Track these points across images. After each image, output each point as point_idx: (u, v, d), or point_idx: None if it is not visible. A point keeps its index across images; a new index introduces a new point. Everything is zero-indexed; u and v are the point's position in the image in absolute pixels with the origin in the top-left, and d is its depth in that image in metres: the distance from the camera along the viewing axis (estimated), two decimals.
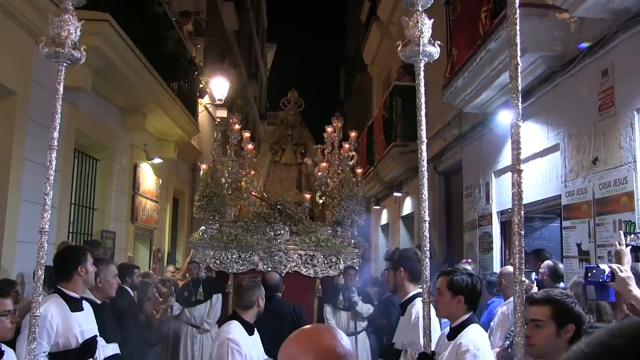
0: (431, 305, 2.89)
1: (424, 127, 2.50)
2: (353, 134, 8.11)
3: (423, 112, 2.50)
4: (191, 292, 7.13)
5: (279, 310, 5.22)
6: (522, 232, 1.86)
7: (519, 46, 1.86)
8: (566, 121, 5.68)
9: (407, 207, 12.82)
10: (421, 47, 2.48)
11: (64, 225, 7.30)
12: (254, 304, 3.94)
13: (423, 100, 2.52)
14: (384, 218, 16.16)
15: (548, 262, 4.77)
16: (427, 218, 2.48)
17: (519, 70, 1.87)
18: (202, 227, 7.31)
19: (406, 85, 10.99)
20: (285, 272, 6.95)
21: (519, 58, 1.87)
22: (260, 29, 28.23)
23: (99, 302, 3.73)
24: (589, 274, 2.82)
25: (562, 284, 4.68)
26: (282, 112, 9.05)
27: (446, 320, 3.27)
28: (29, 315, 2.64)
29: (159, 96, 9.22)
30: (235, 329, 3.79)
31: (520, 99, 1.90)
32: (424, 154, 2.49)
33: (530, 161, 6.63)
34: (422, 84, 2.54)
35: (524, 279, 1.88)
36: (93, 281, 3.62)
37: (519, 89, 1.89)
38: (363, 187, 7.88)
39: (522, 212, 1.85)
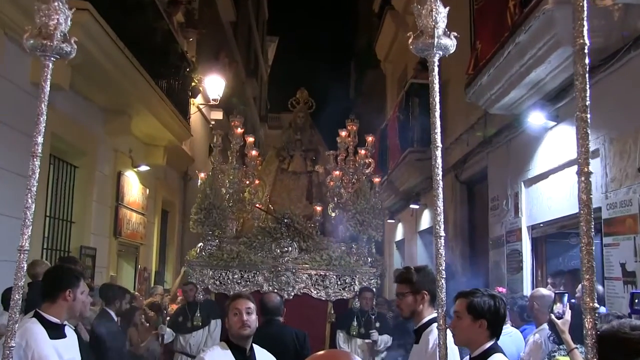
0: (448, 332, 2.84)
1: (438, 129, 2.47)
2: (370, 139, 8.08)
3: (438, 113, 2.47)
4: (187, 316, 7.10)
5: (279, 336, 5.15)
6: (592, 247, 1.79)
7: (585, 23, 1.83)
8: (607, 123, 5.62)
9: (426, 221, 12.77)
10: (435, 39, 2.45)
11: (37, 240, 7.26)
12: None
13: (437, 99, 2.49)
14: (399, 233, 16.14)
15: None
16: (442, 233, 2.45)
17: (586, 50, 1.84)
18: (200, 244, 7.30)
19: (424, 83, 10.93)
20: (293, 294, 7.00)
21: (586, 37, 1.83)
22: (261, 21, 28.35)
23: (73, 327, 3.69)
24: (636, 301, 2.74)
25: (603, 309, 4.60)
26: (285, 113, 9.08)
27: None
28: (1, 345, 2.61)
29: (146, 96, 9.23)
30: (214, 353, 3.68)
31: (587, 83, 1.85)
32: (439, 160, 2.45)
33: (565, 169, 6.58)
34: (436, 80, 2.51)
35: (596, 305, 1.80)
36: (78, 311, 3.57)
37: (587, 71, 1.84)
38: (381, 198, 7.84)
39: (592, 223, 1.80)
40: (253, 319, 3.75)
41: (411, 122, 11.43)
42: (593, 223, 1.81)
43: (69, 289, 3.43)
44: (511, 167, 8.01)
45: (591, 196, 1.80)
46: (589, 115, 1.84)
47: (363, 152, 7.86)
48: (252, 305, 3.79)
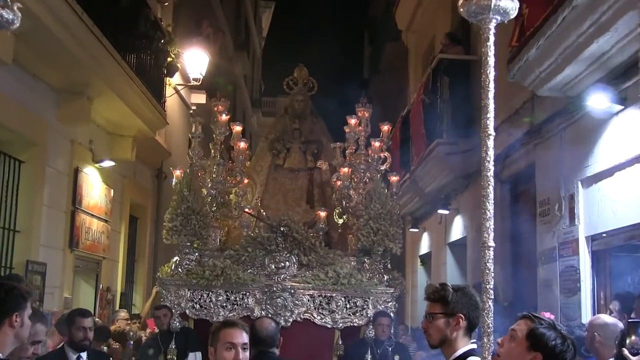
0: None
1: (491, 114, 2.45)
2: (385, 128, 8.15)
3: (492, 93, 2.46)
4: (159, 349, 7.16)
5: None
6: None
7: None
8: None
9: (457, 230, 12.80)
10: (492, 1, 2.42)
11: None
12: None
13: (492, 75, 2.50)
14: (424, 245, 16.23)
15: None
16: (492, 243, 2.44)
17: None
18: (176, 258, 7.30)
19: (456, 59, 10.91)
20: (291, 320, 7.07)
21: None
22: None
23: None
24: None
25: None
26: (282, 97, 9.07)
27: None
28: None
29: (110, 73, 9.22)
30: None
31: None
32: (491, 151, 2.43)
33: (635, 164, 6.56)
34: (491, 52, 2.51)
35: None
36: (25, 337, 3.51)
37: None
38: (399, 201, 7.88)
39: None
40: (246, 358, 3.76)
41: (440, 107, 11.43)
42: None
43: (15, 312, 3.34)
44: (565, 163, 8.00)
45: None
46: None
47: (377, 144, 7.89)
48: (247, 339, 3.82)
